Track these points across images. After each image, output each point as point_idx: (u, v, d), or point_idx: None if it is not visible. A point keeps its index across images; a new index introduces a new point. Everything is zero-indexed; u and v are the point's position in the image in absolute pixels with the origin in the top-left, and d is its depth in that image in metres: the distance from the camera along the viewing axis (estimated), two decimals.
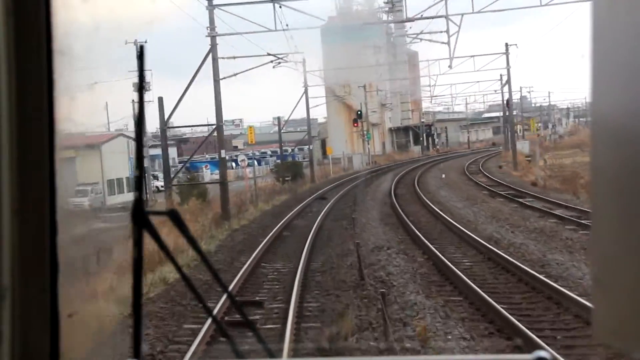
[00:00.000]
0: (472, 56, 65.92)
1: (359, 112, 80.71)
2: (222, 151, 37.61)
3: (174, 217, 1.92)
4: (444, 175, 53.81)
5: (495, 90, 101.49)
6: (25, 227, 1.90)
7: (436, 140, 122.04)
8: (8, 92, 1.87)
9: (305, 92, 61.38)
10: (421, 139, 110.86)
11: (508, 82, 66.97)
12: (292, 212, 35.67)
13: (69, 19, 1.97)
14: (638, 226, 1.70)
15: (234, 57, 39.54)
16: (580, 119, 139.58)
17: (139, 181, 2.02)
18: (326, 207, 37.28)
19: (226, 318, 14.35)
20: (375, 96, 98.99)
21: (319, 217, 32.39)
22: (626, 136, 1.73)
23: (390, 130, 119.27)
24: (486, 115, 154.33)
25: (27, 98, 1.90)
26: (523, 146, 75.89)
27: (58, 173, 1.93)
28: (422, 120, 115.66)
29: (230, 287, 17.05)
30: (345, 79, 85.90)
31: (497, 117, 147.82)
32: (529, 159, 48.09)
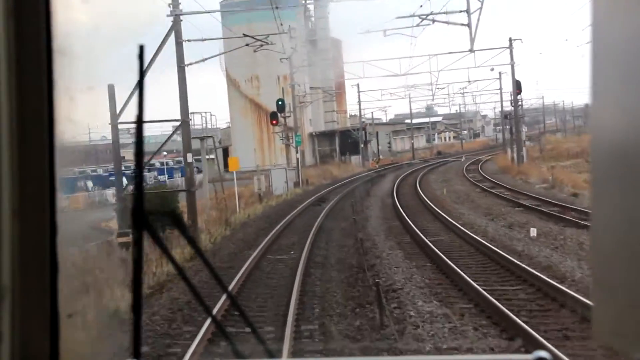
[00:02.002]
0: None
1: (280, 102, 51.99)
2: None
3: (174, 217, 1.93)
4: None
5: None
6: (25, 227, 1.90)
7: (376, 149, 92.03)
8: (8, 92, 1.87)
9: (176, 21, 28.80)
10: (361, 146, 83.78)
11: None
12: None
13: (69, 19, 1.97)
14: (638, 226, 1.70)
15: None
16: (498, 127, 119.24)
17: (138, 181, 2.01)
18: None
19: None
20: (291, 92, 67.17)
21: None
22: (626, 136, 1.73)
23: (312, 135, 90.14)
24: (408, 120, 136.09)
25: (27, 98, 1.90)
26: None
27: (58, 173, 1.93)
28: (363, 120, 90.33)
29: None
30: (252, 70, 66.83)
31: (427, 123, 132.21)
32: None
